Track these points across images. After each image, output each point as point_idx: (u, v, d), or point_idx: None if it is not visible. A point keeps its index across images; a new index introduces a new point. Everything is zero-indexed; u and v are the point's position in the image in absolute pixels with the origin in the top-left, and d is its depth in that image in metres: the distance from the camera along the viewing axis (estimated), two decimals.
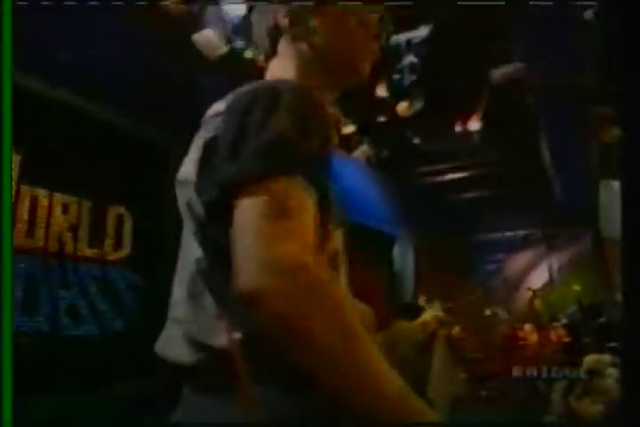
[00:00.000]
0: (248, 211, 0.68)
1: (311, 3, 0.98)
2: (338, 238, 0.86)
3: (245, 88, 0.82)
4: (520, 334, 5.92)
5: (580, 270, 7.95)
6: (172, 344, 0.79)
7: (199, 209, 0.79)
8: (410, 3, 3.40)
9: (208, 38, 4.00)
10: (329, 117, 0.80)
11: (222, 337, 0.72)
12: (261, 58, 1.05)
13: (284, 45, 1.00)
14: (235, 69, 4.30)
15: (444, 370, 1.05)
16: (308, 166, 0.72)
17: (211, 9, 3.94)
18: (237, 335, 0.70)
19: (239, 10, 4.00)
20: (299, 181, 0.70)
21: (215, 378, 0.72)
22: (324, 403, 0.66)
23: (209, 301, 0.77)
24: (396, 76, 4.53)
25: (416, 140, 6.73)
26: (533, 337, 5.79)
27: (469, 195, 8.52)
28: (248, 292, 0.65)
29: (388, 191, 7.56)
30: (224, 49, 4.07)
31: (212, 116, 0.84)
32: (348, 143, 6.53)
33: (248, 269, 0.65)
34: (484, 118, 5.96)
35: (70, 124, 3.36)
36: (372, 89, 4.98)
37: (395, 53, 4.36)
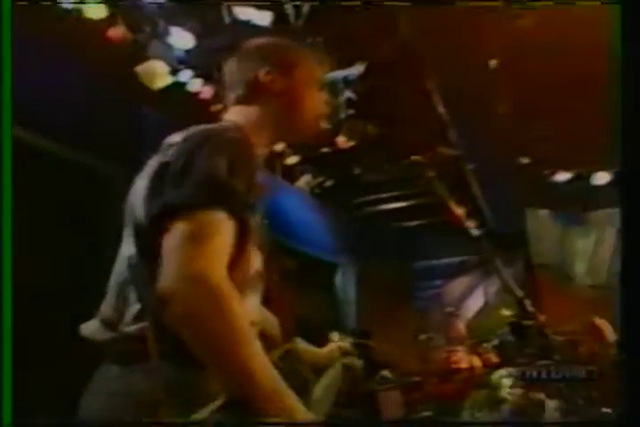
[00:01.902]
0: (177, 230, 0.89)
1: (289, 64, 1.16)
2: (260, 261, 1.05)
3: (200, 128, 1.01)
4: (453, 357, 6.10)
5: (513, 295, 8.30)
6: (93, 325, 1.00)
7: (141, 217, 0.98)
8: (409, 4, 3.56)
9: (152, 70, 4.07)
10: (256, 165, 1.00)
11: (135, 324, 0.92)
12: (230, 101, 1.19)
13: (254, 96, 1.17)
14: (177, 101, 4.38)
15: (326, 393, 1.17)
16: (232, 201, 0.92)
17: (155, 41, 4.03)
18: (145, 324, 0.91)
19: (185, 42, 4.11)
20: (220, 213, 0.90)
21: (124, 354, 0.92)
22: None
23: (132, 292, 0.96)
24: (335, 110, 4.74)
25: (357, 171, 6.96)
26: (465, 360, 5.97)
27: (409, 223, 8.81)
28: (163, 293, 0.85)
29: (330, 220, 7.72)
30: (168, 81, 4.14)
31: (169, 144, 1.03)
32: (292, 173, 6.68)
33: (167, 276, 0.86)
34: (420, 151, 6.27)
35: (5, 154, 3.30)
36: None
37: (332, 88, 4.58)
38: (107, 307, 1.01)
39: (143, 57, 3.98)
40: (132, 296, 0.96)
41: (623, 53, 1.14)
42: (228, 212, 0.92)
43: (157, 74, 4.08)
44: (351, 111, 5.01)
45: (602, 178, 6.68)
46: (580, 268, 8.00)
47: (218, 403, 0.84)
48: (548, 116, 4.93)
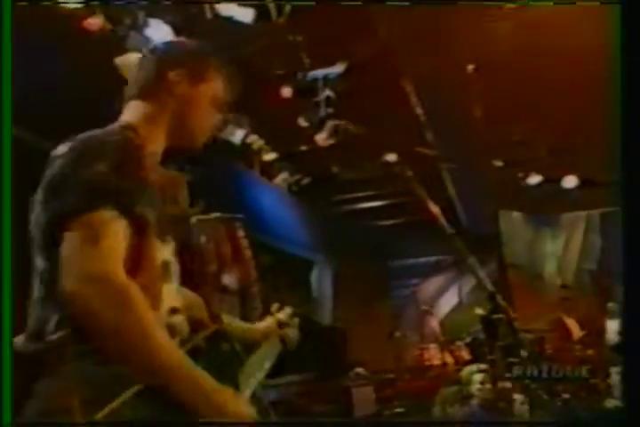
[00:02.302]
0: (68, 237, 0.94)
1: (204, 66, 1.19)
2: (167, 251, 1.08)
3: (83, 136, 1.05)
4: (426, 354, 6.19)
5: (486, 293, 8.45)
6: (21, 339, 1.02)
7: (41, 230, 1.02)
8: (408, 3, 3.57)
9: (131, 62, 4.02)
10: (143, 167, 1.03)
11: (55, 333, 0.95)
12: (131, 93, 1.21)
13: (153, 95, 1.19)
14: None
15: (259, 364, 1.21)
16: (119, 201, 0.96)
17: (134, 32, 3.98)
18: (66, 332, 0.94)
19: (164, 34, 4.07)
20: (109, 213, 0.95)
21: (45, 363, 0.94)
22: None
23: (50, 303, 0.99)
24: (314, 108, 4.76)
25: (334, 169, 6.99)
26: (437, 357, 6.07)
27: (385, 222, 8.88)
28: (67, 295, 0.91)
29: (307, 217, 7.74)
30: None
31: (55, 156, 1.05)
32: (270, 171, 6.68)
33: (67, 279, 0.91)
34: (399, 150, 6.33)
35: None
36: (294, 118, 5.18)
37: (313, 87, 4.60)
38: (31, 320, 1.03)
39: (122, 49, 3.93)
40: (52, 307, 0.98)
41: (623, 53, 1.15)
42: (118, 210, 0.96)
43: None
44: (330, 110, 5.05)
45: (571, 181, 6.86)
46: (550, 268, 8.19)
47: (133, 390, 0.87)
48: (522, 119, 5.03)
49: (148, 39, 4.03)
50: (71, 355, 0.92)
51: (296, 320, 1.60)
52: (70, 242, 0.93)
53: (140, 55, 1.28)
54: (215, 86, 1.24)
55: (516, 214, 8.15)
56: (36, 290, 1.03)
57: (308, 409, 5.00)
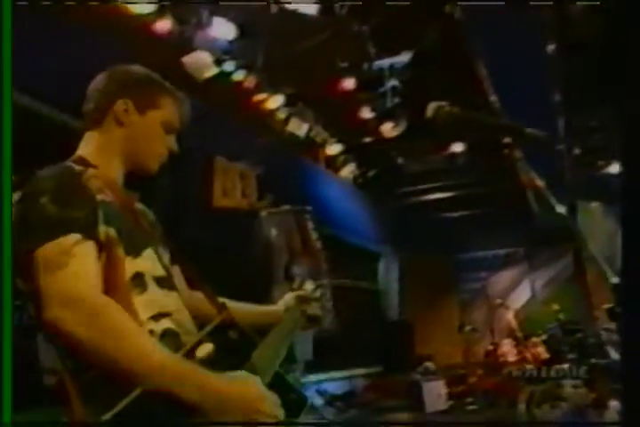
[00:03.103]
0: (37, 272, 0.97)
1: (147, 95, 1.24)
2: (137, 264, 1.11)
3: (25, 180, 1.09)
4: (499, 350, 6.00)
5: (561, 288, 8.08)
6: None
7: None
8: (408, 3, 3.50)
9: (198, 60, 4.12)
10: (86, 191, 1.07)
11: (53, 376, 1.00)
12: (87, 122, 1.25)
13: (101, 126, 1.23)
14: (222, 91, 4.42)
15: (277, 339, 1.15)
16: (76, 226, 1.00)
17: (201, 32, 4.06)
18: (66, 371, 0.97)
19: (229, 33, 4.13)
20: (67, 239, 0.98)
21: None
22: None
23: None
24: (380, 99, 4.69)
25: (400, 161, 6.88)
26: (513, 353, 5.87)
27: (453, 214, 8.66)
28: (47, 323, 0.93)
29: (373, 210, 7.68)
30: (213, 71, 4.19)
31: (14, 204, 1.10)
32: (335, 163, 6.67)
33: (45, 307, 0.94)
34: (467, 140, 6.14)
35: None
36: (358, 110, 5.13)
37: (378, 77, 4.52)
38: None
39: (189, 48, 4.02)
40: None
41: (623, 52, 1.09)
42: (80, 234, 1.00)
43: (203, 64, 4.12)
44: (397, 99, 4.95)
45: None
46: None
47: (133, 395, 0.89)
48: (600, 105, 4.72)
49: (213, 38, 4.12)
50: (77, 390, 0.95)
51: (320, 293, 1.52)
52: (40, 275, 0.96)
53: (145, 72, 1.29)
54: (165, 112, 1.26)
55: (595, 205, 7.71)
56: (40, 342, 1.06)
57: (376, 403, 4.97)
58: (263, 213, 1.68)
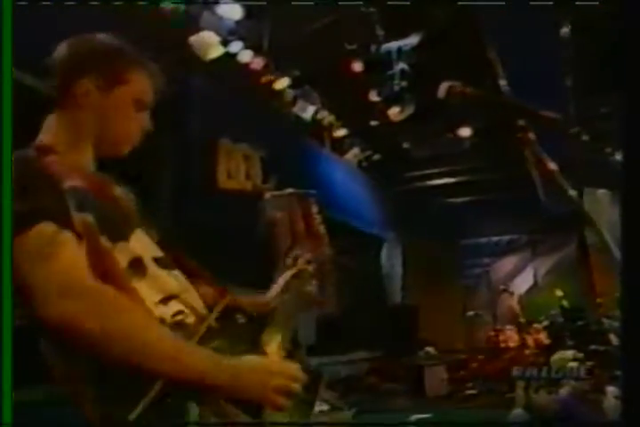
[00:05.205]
0: (20, 266, 0.88)
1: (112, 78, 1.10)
2: (131, 248, 1.02)
3: None
4: (501, 336, 6.03)
5: (564, 275, 8.08)
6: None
7: None
8: (407, 2, 3.46)
9: (204, 40, 4.07)
10: (48, 177, 0.96)
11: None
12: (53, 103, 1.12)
13: (62, 109, 1.10)
14: (228, 71, 4.37)
15: (282, 322, 1.14)
16: (46, 215, 0.91)
17: (207, 12, 4.01)
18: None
19: (235, 13, 4.07)
20: (45, 228, 0.89)
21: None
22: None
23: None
24: (388, 82, 4.63)
25: (406, 145, 6.83)
26: (514, 339, 5.89)
27: (457, 199, 8.63)
28: (46, 319, 0.84)
29: (377, 194, 7.66)
30: (219, 51, 4.14)
31: None
32: (341, 146, 6.63)
33: (42, 302, 0.85)
34: (474, 125, 6.08)
35: None
36: (365, 93, 5.07)
37: (386, 60, 4.46)
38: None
39: (195, 28, 3.97)
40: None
41: (623, 52, 1.07)
42: (54, 223, 0.91)
43: (209, 45, 4.07)
44: (404, 83, 4.88)
45: None
46: None
47: (155, 390, 0.85)
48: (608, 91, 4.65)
49: (220, 18, 4.07)
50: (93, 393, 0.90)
51: (313, 268, 1.48)
52: (25, 268, 0.87)
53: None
54: (135, 87, 1.11)
55: (601, 192, 7.65)
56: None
57: (378, 387, 5.01)
58: (267, 196, 1.66)
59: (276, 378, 0.94)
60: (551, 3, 3.27)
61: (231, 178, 4.29)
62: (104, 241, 0.97)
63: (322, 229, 1.74)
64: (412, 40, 4.24)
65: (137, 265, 1.02)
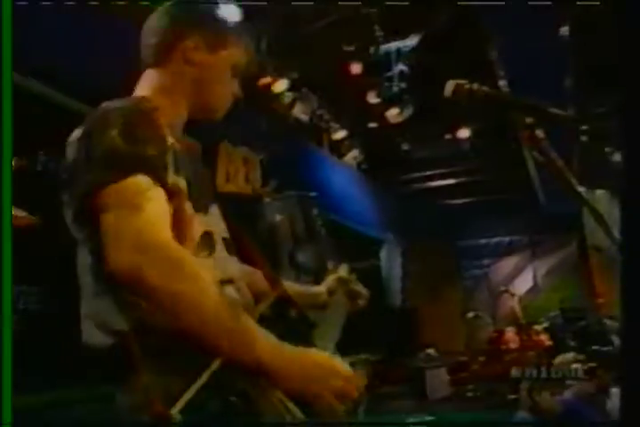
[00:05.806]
0: (106, 211, 0.86)
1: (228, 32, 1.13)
2: (206, 222, 1.00)
3: (95, 109, 0.97)
4: (502, 337, 6.02)
5: (564, 276, 8.08)
6: (86, 333, 0.95)
7: (75, 218, 0.95)
8: (407, 3, 3.45)
9: None
10: (159, 129, 0.95)
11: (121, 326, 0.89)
12: (147, 60, 1.13)
13: (168, 63, 1.10)
14: None
15: (333, 318, 1.14)
16: (147, 167, 0.89)
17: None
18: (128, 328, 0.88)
19: (233, 15, 4.07)
20: (141, 180, 0.88)
21: (117, 362, 0.88)
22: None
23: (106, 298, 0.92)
24: (387, 84, 4.62)
25: (405, 147, 6.83)
26: (515, 341, 5.88)
27: (457, 201, 8.63)
28: (119, 271, 0.82)
29: (376, 196, 7.65)
30: None
31: (71, 141, 0.99)
32: (339, 149, 6.62)
33: (116, 254, 0.83)
34: (473, 126, 6.08)
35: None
36: (363, 95, 5.07)
37: (385, 61, 4.45)
38: (93, 315, 0.95)
39: None
40: (109, 295, 0.92)
41: (623, 52, 1.07)
42: (150, 177, 0.89)
43: None
44: (403, 84, 4.87)
45: None
46: None
47: (203, 380, 0.81)
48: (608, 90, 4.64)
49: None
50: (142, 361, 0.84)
51: (354, 276, 1.48)
52: (110, 215, 0.85)
53: (153, 17, 1.13)
54: (235, 53, 1.13)
55: (600, 193, 7.65)
56: (90, 285, 0.95)
57: (379, 389, 5.00)
58: (267, 199, 1.65)
59: (337, 379, 0.89)
60: (551, 3, 3.26)
61: (230, 181, 4.28)
62: (188, 208, 0.95)
63: (322, 231, 1.74)
64: (411, 41, 4.24)
65: (208, 240, 0.99)
